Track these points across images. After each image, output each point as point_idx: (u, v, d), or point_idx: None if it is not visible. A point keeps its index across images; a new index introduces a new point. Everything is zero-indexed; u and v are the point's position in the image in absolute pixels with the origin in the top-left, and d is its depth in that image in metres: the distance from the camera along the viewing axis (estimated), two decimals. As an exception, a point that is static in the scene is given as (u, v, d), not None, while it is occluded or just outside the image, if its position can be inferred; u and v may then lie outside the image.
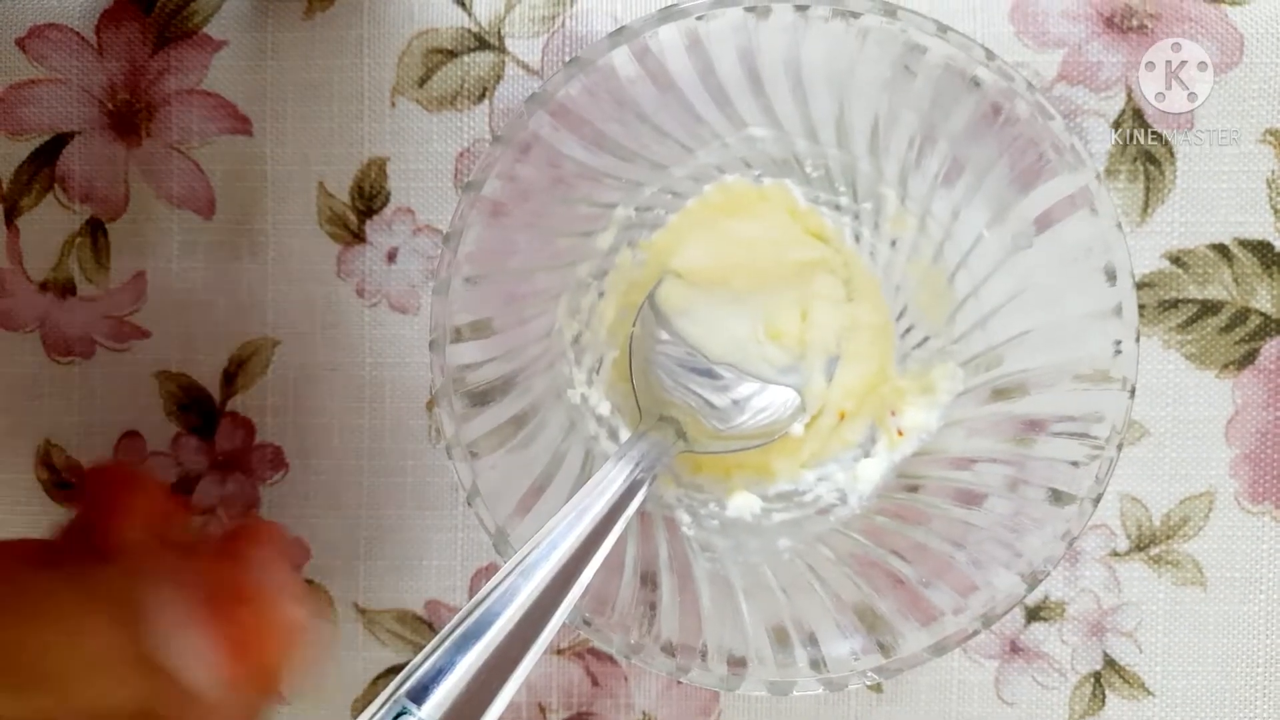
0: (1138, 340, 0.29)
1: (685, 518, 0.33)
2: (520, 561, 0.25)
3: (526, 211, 0.32)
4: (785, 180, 0.34)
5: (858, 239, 0.35)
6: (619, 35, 0.29)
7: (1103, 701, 0.37)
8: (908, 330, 0.35)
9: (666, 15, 0.29)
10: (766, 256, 0.35)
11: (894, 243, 0.34)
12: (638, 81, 0.30)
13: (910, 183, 0.33)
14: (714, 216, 0.35)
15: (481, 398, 0.31)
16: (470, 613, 0.24)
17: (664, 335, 0.34)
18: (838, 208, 0.35)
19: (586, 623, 0.28)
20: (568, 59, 0.34)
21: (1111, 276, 0.29)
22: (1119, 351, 0.29)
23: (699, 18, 0.29)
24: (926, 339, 0.34)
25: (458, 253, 0.30)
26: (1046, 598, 0.37)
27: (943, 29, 0.28)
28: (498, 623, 0.24)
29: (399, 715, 0.22)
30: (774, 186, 0.35)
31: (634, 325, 0.34)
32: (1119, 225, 0.28)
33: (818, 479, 0.35)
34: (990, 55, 0.28)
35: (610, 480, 0.28)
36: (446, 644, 0.23)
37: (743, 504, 0.34)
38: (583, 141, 0.31)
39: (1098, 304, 0.29)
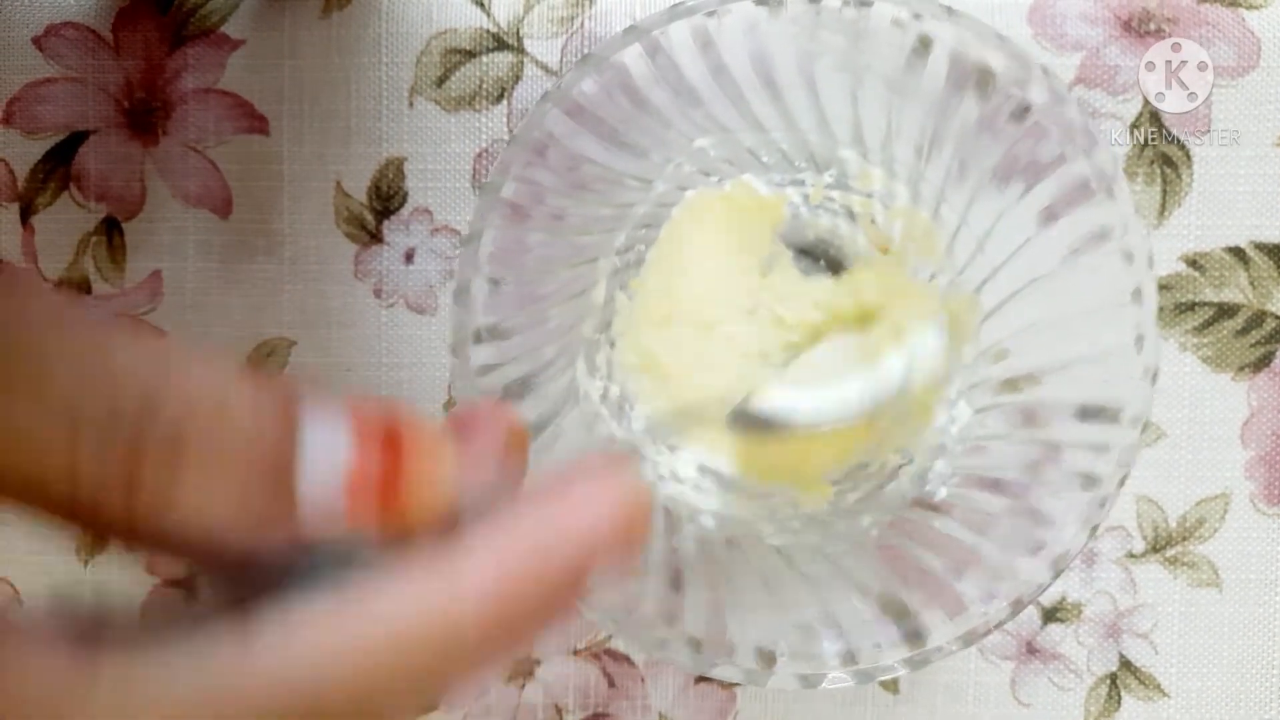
0: (1156, 325, 0.29)
1: (768, 529, 0.33)
2: None
3: (544, 211, 0.32)
4: (745, 175, 0.35)
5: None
6: (630, 32, 0.29)
7: (1118, 703, 0.37)
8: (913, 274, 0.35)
9: (676, 12, 0.29)
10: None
11: (870, 194, 0.34)
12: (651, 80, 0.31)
13: (922, 178, 0.33)
14: (684, 243, 0.35)
15: (493, 353, 0.31)
16: None
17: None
18: (802, 183, 0.35)
19: (615, 622, 0.28)
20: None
21: (1129, 259, 0.29)
22: (1140, 337, 0.29)
23: (709, 14, 0.29)
24: (933, 277, 0.34)
25: (478, 254, 0.30)
26: (1063, 599, 0.37)
27: (955, 14, 0.28)
28: None
29: None
30: (735, 185, 0.35)
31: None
32: (1135, 209, 0.28)
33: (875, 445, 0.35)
34: (1004, 40, 0.28)
35: None
36: None
37: (816, 496, 0.34)
38: (599, 139, 0.31)
39: (1115, 290, 0.29)
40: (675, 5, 0.29)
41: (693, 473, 0.34)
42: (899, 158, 0.33)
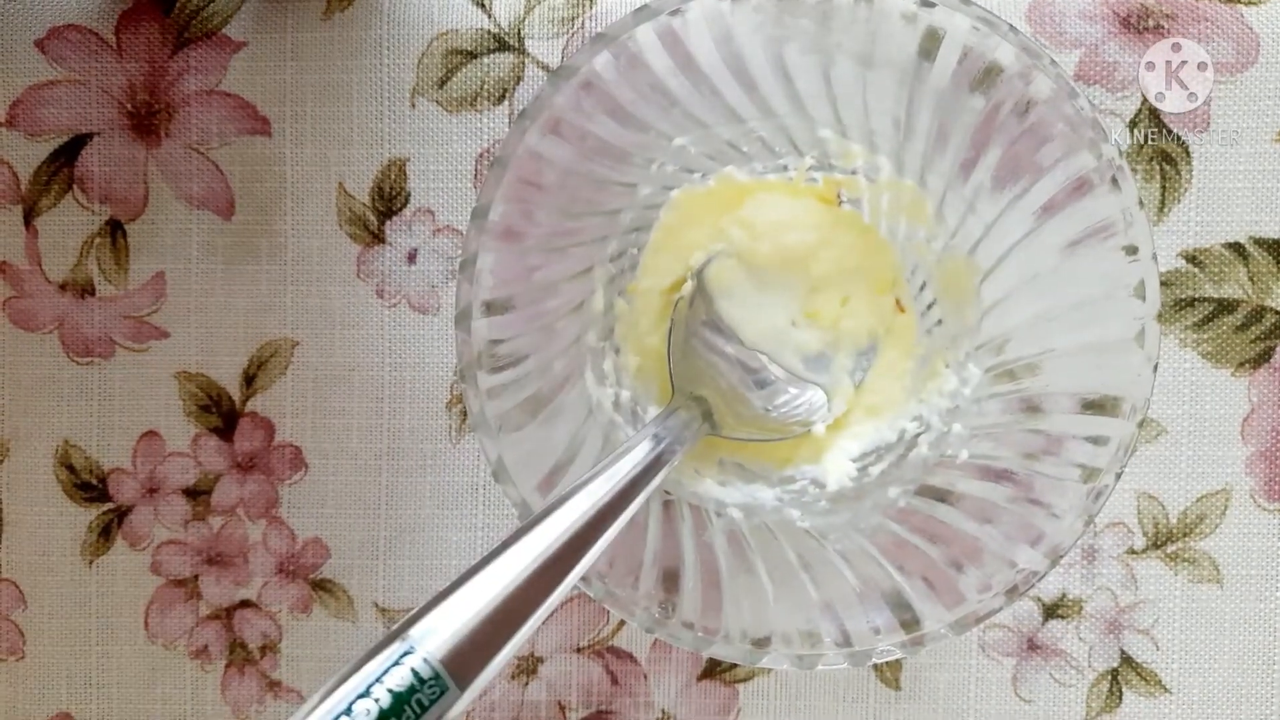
0: (1159, 318, 0.29)
1: (794, 513, 0.33)
2: (538, 520, 0.25)
3: (549, 190, 0.32)
4: (727, 168, 0.35)
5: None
6: (599, 40, 0.29)
7: (1120, 698, 0.38)
8: (913, 281, 0.35)
9: (641, 15, 0.29)
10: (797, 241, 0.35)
11: (854, 171, 0.35)
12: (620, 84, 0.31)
13: (904, 148, 0.33)
14: (679, 233, 0.35)
15: (505, 376, 0.31)
16: (484, 564, 0.24)
17: (703, 317, 0.34)
18: (785, 169, 0.35)
19: (611, 594, 0.29)
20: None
21: (1133, 253, 0.29)
22: (1142, 330, 0.29)
23: (673, 13, 0.29)
24: (928, 242, 0.35)
25: (484, 230, 0.30)
26: (1064, 595, 0.37)
27: (967, 2, 0.28)
28: (509, 576, 0.24)
29: (404, 655, 0.22)
30: (718, 179, 0.35)
31: (679, 297, 0.34)
32: (1140, 201, 0.29)
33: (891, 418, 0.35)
34: (1014, 30, 0.28)
35: (633, 450, 0.28)
36: (459, 590, 0.23)
37: (839, 474, 0.34)
38: (578, 149, 0.32)
39: (1118, 282, 0.29)
40: (639, 9, 0.29)
41: (714, 470, 0.35)
42: (878, 131, 0.33)
